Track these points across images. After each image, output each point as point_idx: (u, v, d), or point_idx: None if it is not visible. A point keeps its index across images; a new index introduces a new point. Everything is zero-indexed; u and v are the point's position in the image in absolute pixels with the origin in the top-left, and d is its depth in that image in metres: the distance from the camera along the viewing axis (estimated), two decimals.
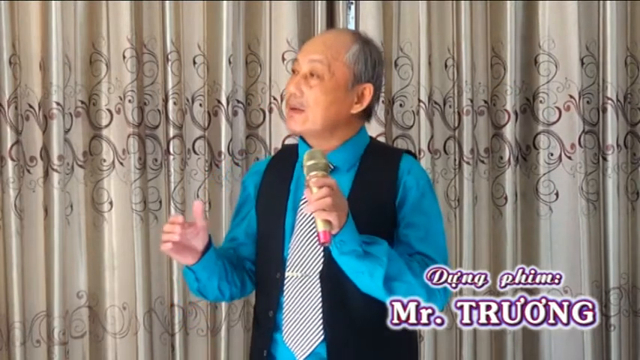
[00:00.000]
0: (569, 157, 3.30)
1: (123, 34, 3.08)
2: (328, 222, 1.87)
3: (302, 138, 2.14)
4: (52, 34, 2.98)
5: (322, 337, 2.04)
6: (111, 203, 3.13)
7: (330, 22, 3.22)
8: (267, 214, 2.15)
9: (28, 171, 3.02)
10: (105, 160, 3.12)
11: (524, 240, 3.35)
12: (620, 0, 3.28)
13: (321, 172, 1.91)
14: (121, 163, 3.11)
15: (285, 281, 2.07)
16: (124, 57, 3.08)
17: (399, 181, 2.08)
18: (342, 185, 2.00)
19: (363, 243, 1.94)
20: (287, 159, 2.18)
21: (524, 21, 3.32)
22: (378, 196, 2.07)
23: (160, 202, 3.16)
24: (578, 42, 3.26)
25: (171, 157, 3.11)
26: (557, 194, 3.32)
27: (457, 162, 3.27)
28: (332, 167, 2.04)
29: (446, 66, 3.28)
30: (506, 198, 3.29)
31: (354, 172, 2.09)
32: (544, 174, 3.31)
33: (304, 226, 2.06)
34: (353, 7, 3.23)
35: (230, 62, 3.13)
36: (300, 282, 2.06)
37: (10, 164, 2.96)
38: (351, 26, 3.22)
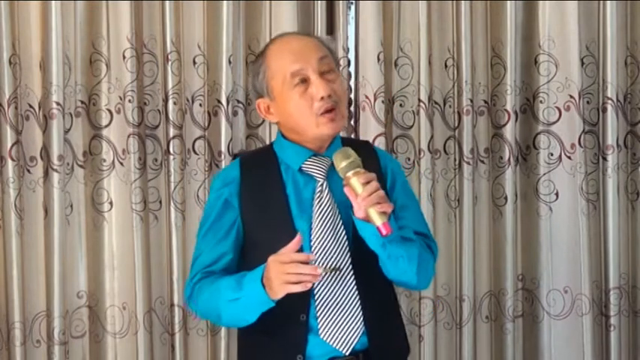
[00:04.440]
0: (569, 157, 3.29)
1: (123, 34, 3.08)
2: (384, 213, 1.91)
3: (284, 137, 2.17)
4: (52, 34, 2.98)
5: (363, 329, 2.06)
6: (111, 203, 3.13)
7: (330, 22, 3.22)
8: (266, 221, 2.14)
9: (28, 171, 3.02)
10: (105, 160, 3.12)
11: (525, 240, 3.35)
12: (620, 0, 3.28)
13: (360, 168, 1.95)
14: (121, 163, 3.11)
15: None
16: (124, 57, 3.08)
17: (384, 168, 2.17)
18: (338, 179, 2.05)
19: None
20: (264, 165, 2.17)
21: (524, 21, 3.32)
22: None
23: (160, 202, 3.16)
24: (578, 42, 3.26)
25: (172, 157, 3.11)
26: (557, 194, 3.32)
27: (457, 162, 3.27)
28: None
29: (446, 66, 3.28)
30: (506, 198, 3.29)
31: None
32: (544, 174, 3.31)
33: (324, 226, 2.08)
34: (353, 7, 3.23)
35: (230, 62, 3.13)
36: (330, 279, 2.06)
37: (10, 164, 2.96)
38: (351, 26, 3.22)
